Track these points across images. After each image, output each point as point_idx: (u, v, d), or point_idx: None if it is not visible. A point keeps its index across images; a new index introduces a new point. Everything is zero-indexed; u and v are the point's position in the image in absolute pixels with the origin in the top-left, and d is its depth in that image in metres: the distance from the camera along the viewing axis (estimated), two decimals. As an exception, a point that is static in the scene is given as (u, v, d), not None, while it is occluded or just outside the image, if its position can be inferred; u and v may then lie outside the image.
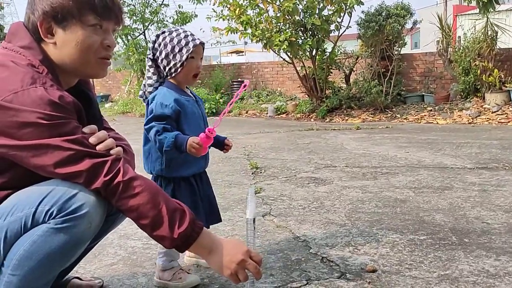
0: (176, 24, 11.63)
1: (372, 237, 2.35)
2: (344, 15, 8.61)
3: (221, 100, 11.03)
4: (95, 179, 1.28)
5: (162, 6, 11.55)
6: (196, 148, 1.66)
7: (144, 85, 1.87)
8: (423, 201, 2.98)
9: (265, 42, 8.30)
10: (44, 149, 1.25)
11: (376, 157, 4.60)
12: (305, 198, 3.14)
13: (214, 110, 10.41)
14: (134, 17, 11.42)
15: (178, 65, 1.77)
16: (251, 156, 4.90)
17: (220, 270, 1.43)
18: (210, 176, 3.81)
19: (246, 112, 10.62)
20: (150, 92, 1.84)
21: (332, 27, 8.68)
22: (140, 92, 1.90)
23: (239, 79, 12.56)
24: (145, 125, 1.76)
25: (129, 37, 11.46)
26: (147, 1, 11.48)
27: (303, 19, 8.46)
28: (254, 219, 1.53)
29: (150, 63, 1.85)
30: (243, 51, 30.57)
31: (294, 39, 8.29)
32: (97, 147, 1.32)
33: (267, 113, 10.10)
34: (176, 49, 1.76)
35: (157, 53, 1.80)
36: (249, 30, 8.34)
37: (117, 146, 1.54)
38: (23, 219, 1.26)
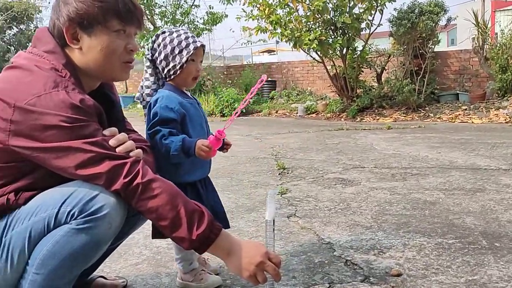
0: (207, 25, 11.71)
1: (398, 240, 2.30)
2: (375, 13, 8.48)
3: (251, 100, 11.05)
4: (115, 180, 1.30)
5: (193, 7, 11.65)
6: (205, 151, 1.61)
7: (142, 86, 1.81)
8: (453, 203, 2.90)
9: (294, 41, 8.25)
10: (66, 151, 1.27)
11: (406, 158, 4.50)
12: (332, 200, 3.10)
13: (243, 110, 10.43)
14: (165, 19, 11.56)
15: (178, 67, 1.71)
16: (279, 156, 4.88)
17: (239, 272, 1.43)
18: (237, 177, 3.87)
19: (276, 112, 10.60)
20: (148, 94, 1.79)
21: (363, 25, 8.58)
22: (137, 94, 1.83)
23: (269, 79, 12.55)
24: (148, 129, 1.69)
25: (160, 39, 11.59)
26: (178, 3, 11.60)
27: (333, 18, 8.39)
28: (273, 221, 1.51)
29: (148, 63, 1.79)
30: (275, 50, 30.49)
31: (324, 38, 8.22)
32: (117, 150, 1.34)
33: (297, 113, 10.06)
34: (176, 51, 1.70)
35: (156, 54, 1.74)
36: (279, 30, 8.32)
37: (137, 147, 1.56)
38: (46, 219, 1.29)
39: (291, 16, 8.37)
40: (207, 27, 11.80)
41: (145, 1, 11.11)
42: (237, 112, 1.60)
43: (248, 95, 1.58)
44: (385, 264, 2.01)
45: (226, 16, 11.66)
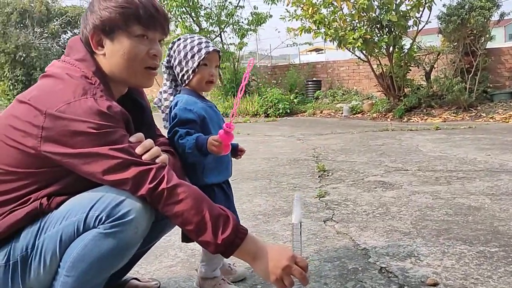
0: (251, 26, 11.75)
1: (437, 247, 2.22)
2: (423, 10, 8.24)
3: (295, 100, 11.02)
4: (141, 186, 1.32)
5: (238, 8, 11.72)
6: (216, 146, 1.59)
7: (160, 92, 1.86)
8: (499, 209, 2.77)
9: (338, 40, 8.15)
10: (93, 157, 1.31)
11: (452, 160, 4.34)
12: (370, 204, 3.03)
13: (288, 111, 10.41)
14: (211, 20, 11.70)
15: (190, 71, 1.74)
16: (320, 158, 4.83)
17: (265, 276, 1.42)
18: (276, 179, 3.86)
19: (321, 112, 10.51)
20: (166, 99, 1.84)
21: (410, 22, 8.35)
22: (156, 99, 1.87)
23: (314, 79, 12.47)
24: (168, 132, 1.72)
25: (206, 40, 11.74)
26: (223, 4, 11.71)
27: (378, 16, 8.21)
28: (300, 224, 1.49)
29: (164, 69, 1.84)
30: (322, 49, 30.15)
31: (369, 36, 8.07)
32: (143, 157, 1.36)
33: (342, 113, 9.93)
34: (189, 56, 1.73)
35: (172, 60, 1.79)
36: (322, 29, 8.24)
37: (166, 151, 1.59)
38: (76, 223, 1.33)
39: (335, 15, 8.26)
40: (252, 28, 11.83)
41: (190, 4, 11.29)
42: (237, 103, 1.59)
43: (243, 80, 1.55)
44: (422, 272, 1.95)
45: (271, 16, 11.65)
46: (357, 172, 4.02)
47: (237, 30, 11.78)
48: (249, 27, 11.80)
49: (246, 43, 11.96)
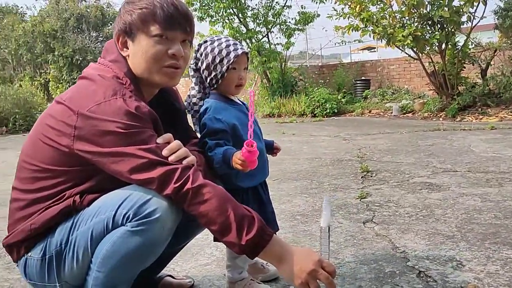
0: (299, 25, 11.68)
1: (482, 252, 2.10)
2: (478, 5, 7.88)
3: (343, 100, 10.85)
4: (166, 185, 1.33)
5: (285, 8, 11.67)
6: (240, 164, 1.54)
7: (189, 95, 1.82)
8: (554, 213, 2.60)
9: (387, 38, 7.94)
10: (121, 157, 1.33)
11: (507, 161, 4.12)
12: (414, 205, 2.93)
13: (335, 110, 10.27)
14: (257, 21, 11.71)
15: (219, 76, 1.70)
16: (365, 158, 4.72)
17: (291, 279, 1.40)
18: (317, 179, 3.81)
19: (369, 112, 10.29)
20: (195, 103, 1.80)
21: (464, 18, 8.00)
22: (185, 103, 1.81)
23: (362, 78, 12.24)
24: (199, 141, 1.70)
25: (253, 40, 11.78)
26: (270, 4, 11.70)
27: (430, 12, 7.92)
28: (328, 228, 1.46)
29: (192, 72, 1.80)
30: (375, 48, 29.49)
31: (419, 33, 7.80)
32: (169, 158, 1.36)
33: (391, 113, 9.68)
34: (217, 60, 1.69)
35: (199, 63, 1.75)
36: (370, 27, 8.05)
37: (198, 152, 1.60)
38: (105, 220, 1.36)
39: (385, 12, 8.06)
40: (299, 27, 11.75)
41: (238, 5, 11.35)
42: (251, 123, 1.51)
43: (250, 115, 1.51)
44: (463, 278, 1.86)
45: (318, 15, 11.53)
46: (402, 173, 3.90)
47: (284, 30, 11.72)
48: (297, 27, 11.71)
49: (293, 43, 11.88)
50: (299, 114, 10.68)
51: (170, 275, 1.94)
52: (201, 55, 1.73)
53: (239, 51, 1.70)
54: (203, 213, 1.35)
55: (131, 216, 1.33)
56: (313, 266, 1.36)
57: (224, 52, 1.69)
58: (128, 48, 1.47)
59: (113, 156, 1.33)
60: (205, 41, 1.75)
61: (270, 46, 11.86)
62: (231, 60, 1.68)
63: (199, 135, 1.75)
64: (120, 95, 1.37)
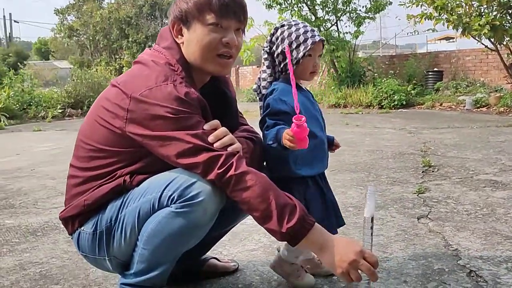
0: (369, 13, 11.38)
1: (542, 256, 2.00)
2: None
3: (413, 92, 10.48)
4: (210, 171, 1.38)
5: (356, -5, 11.42)
6: (290, 140, 1.47)
7: (259, 78, 1.78)
8: None
9: (463, 27, 7.56)
10: (169, 141, 1.39)
11: None
12: (474, 203, 2.81)
13: (404, 103, 9.95)
14: (327, 9, 11.55)
15: (294, 62, 1.65)
16: (428, 153, 4.56)
17: (332, 268, 1.42)
18: (376, 172, 3.74)
19: (440, 105, 9.88)
20: (264, 87, 1.76)
21: (549, 7, 7.46)
22: (255, 86, 1.82)
23: (435, 69, 11.75)
24: (260, 122, 1.66)
25: (321, 29, 11.64)
26: (341, -9, 11.49)
27: (510, 0, 7.45)
28: (372, 218, 1.45)
29: (266, 56, 1.75)
30: (453, 38, 28.07)
31: (498, 22, 7.37)
32: (215, 145, 1.40)
33: (464, 106, 9.24)
34: (294, 45, 1.65)
35: (274, 47, 1.71)
36: (444, 16, 7.70)
37: (247, 138, 1.63)
38: (152, 201, 1.44)
39: (461, 0, 7.67)
40: (370, 16, 11.45)
41: (307, -8, 11.25)
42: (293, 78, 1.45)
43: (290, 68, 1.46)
44: (516, 280, 1.78)
45: (390, 3, 11.17)
46: (466, 169, 3.74)
47: (353, 18, 11.47)
48: (367, 15, 11.42)
49: (363, 32, 11.61)
50: (366, 105, 10.47)
51: (215, 258, 1.99)
52: (276, 39, 1.70)
53: (317, 38, 1.66)
54: (245, 199, 1.38)
55: (175, 198, 1.40)
56: (354, 256, 1.36)
57: (301, 38, 1.65)
58: (183, 36, 1.52)
59: (161, 140, 1.40)
60: (282, 25, 1.71)
61: (338, 35, 11.66)
62: (308, 47, 1.64)
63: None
64: (171, 81, 1.43)
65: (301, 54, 1.65)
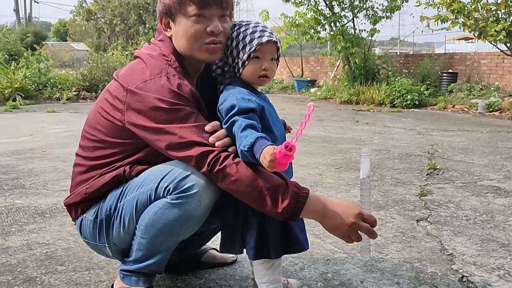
0: (385, 12, 11.30)
1: (535, 265, 2.03)
2: None
3: (426, 92, 10.43)
4: (202, 165, 1.42)
5: (373, -8, 11.33)
6: (268, 162, 1.27)
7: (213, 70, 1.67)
8: None
9: (479, 32, 7.51)
10: (163, 134, 1.43)
11: None
12: (475, 209, 2.84)
13: (416, 103, 9.91)
14: (343, 5, 11.49)
15: (240, 64, 1.56)
16: (435, 155, 4.58)
17: (333, 232, 1.47)
18: (381, 172, 3.77)
19: (453, 107, 9.81)
20: (218, 74, 1.64)
21: None
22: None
23: (449, 70, 11.66)
24: (225, 123, 1.47)
25: (337, 24, 11.60)
26: (358, -12, 11.40)
27: (529, 5, 7.39)
28: (368, 178, 1.49)
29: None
30: (473, 38, 27.75)
31: (515, 28, 7.31)
32: (216, 144, 1.42)
33: (476, 109, 9.19)
34: (240, 46, 1.55)
35: (226, 49, 1.60)
36: (461, 19, 7.64)
37: None
38: (149, 192, 1.49)
39: (478, 4, 7.60)
40: (387, 14, 11.37)
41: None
42: (303, 128, 1.26)
43: (300, 125, 1.25)
44: (507, 287, 1.82)
45: (406, 1, 11.07)
46: (471, 174, 3.76)
47: (370, 16, 11.40)
48: (384, 14, 11.34)
49: (378, 30, 11.52)
50: (378, 103, 10.44)
51: (214, 249, 2.04)
52: (228, 40, 1.59)
53: (264, 39, 1.52)
54: (237, 191, 1.42)
55: (171, 189, 1.45)
56: (353, 219, 1.41)
57: (247, 39, 1.54)
58: (170, 29, 1.56)
59: (155, 132, 1.44)
60: (234, 25, 1.61)
61: (354, 32, 11.61)
62: (253, 48, 1.52)
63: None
64: (164, 73, 1.48)
65: (245, 55, 1.54)
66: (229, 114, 1.46)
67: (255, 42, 1.53)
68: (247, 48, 1.53)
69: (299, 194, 1.42)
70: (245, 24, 1.59)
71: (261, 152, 1.30)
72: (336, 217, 1.43)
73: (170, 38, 1.58)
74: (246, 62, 1.55)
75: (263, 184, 1.39)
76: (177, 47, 1.57)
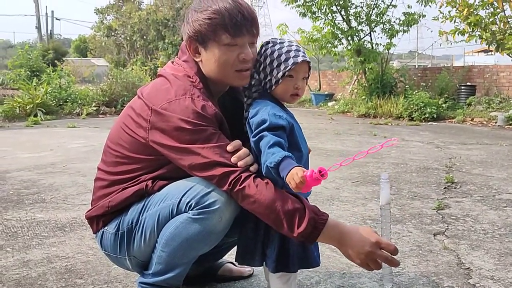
0: (402, 26, 11.30)
1: (554, 280, 2.01)
2: None
3: (444, 105, 10.35)
4: (223, 184, 1.46)
5: (390, 7, 11.35)
6: (297, 183, 1.31)
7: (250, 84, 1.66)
8: None
9: (496, 44, 7.46)
10: (186, 153, 1.48)
11: None
12: (493, 223, 2.82)
13: (434, 115, 9.84)
14: (359, 19, 11.53)
15: (273, 81, 1.58)
16: (453, 169, 4.54)
17: (351, 260, 1.48)
18: (398, 186, 3.76)
19: (472, 120, 9.72)
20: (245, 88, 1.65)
21: None
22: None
23: (467, 83, 11.56)
24: (253, 137, 1.49)
25: (354, 38, 11.63)
26: (376, 2, 11.44)
27: (548, 17, 7.33)
28: (388, 205, 1.49)
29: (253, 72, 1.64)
30: (492, 51, 27.53)
31: (533, 41, 7.24)
32: (238, 164, 1.46)
33: (495, 122, 9.08)
34: (274, 64, 1.57)
35: (257, 64, 1.62)
36: (477, 32, 7.61)
37: None
38: (171, 206, 1.53)
39: (495, 17, 7.56)
40: (404, 28, 11.37)
41: (341, 2, 11.25)
42: (353, 159, 1.35)
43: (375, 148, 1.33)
44: (525, 303, 1.80)
45: (424, 16, 11.06)
46: (489, 188, 3.72)
47: (387, 30, 11.40)
48: (401, 28, 11.34)
49: (395, 44, 11.54)
50: (396, 117, 10.39)
51: (231, 262, 2.06)
52: (261, 57, 1.62)
53: (299, 59, 1.56)
54: (255, 211, 1.46)
55: (193, 204, 1.49)
56: (369, 248, 1.42)
57: (283, 57, 1.57)
58: (200, 54, 1.59)
59: (179, 152, 1.49)
60: (267, 42, 1.64)
61: (372, 46, 11.61)
62: (289, 67, 1.55)
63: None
64: (189, 94, 1.52)
65: (280, 74, 1.56)
66: (259, 128, 1.48)
67: (290, 62, 1.55)
68: (282, 66, 1.56)
69: (316, 220, 1.44)
70: (280, 42, 1.62)
71: (289, 172, 1.33)
72: (353, 246, 1.44)
73: (194, 59, 1.60)
74: (280, 80, 1.57)
75: (281, 207, 1.42)
76: (207, 71, 1.59)
